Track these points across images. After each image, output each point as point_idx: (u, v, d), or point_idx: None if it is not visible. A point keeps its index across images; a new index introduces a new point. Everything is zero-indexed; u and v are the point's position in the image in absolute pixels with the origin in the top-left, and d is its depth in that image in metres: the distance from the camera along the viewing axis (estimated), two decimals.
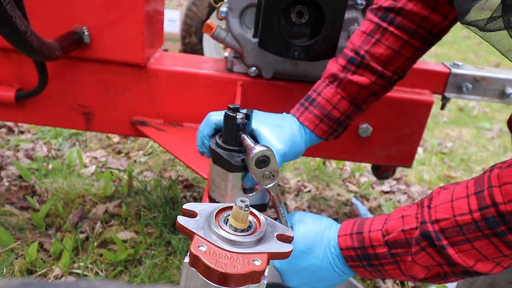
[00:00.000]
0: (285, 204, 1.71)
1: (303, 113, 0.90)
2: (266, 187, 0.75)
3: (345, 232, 0.74)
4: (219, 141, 0.81)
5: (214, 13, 2.77)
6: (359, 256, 0.72)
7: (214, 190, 0.85)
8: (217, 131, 0.84)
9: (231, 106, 0.79)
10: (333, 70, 0.90)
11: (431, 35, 0.87)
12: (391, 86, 0.93)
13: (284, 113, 0.92)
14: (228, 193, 0.82)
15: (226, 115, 0.78)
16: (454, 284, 1.30)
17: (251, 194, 0.83)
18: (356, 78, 0.88)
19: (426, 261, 0.65)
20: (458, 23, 0.87)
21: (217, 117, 0.82)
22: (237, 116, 0.78)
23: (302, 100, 0.93)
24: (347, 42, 0.92)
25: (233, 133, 0.78)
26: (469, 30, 0.61)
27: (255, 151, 0.72)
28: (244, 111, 0.81)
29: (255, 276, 0.53)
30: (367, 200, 1.86)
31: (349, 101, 0.90)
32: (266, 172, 0.73)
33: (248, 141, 0.76)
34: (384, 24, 0.86)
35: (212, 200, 0.86)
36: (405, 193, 1.96)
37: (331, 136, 0.94)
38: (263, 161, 0.72)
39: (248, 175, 0.78)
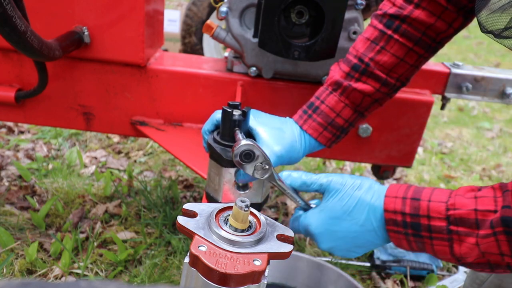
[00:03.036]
0: (285, 204, 1.71)
1: (307, 121, 0.90)
2: (262, 178, 0.75)
3: (396, 194, 0.69)
4: (217, 137, 0.83)
5: (214, 13, 2.77)
6: (407, 223, 0.67)
7: (210, 184, 0.87)
8: (217, 127, 0.86)
9: (231, 103, 0.80)
10: (336, 77, 0.90)
11: (435, 43, 0.87)
12: (394, 93, 0.93)
13: (287, 117, 0.92)
14: (221, 188, 0.83)
15: (223, 111, 0.80)
16: (461, 283, 1.31)
17: (243, 192, 0.84)
18: (359, 86, 0.88)
19: (490, 248, 0.61)
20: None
21: (220, 114, 0.84)
22: (234, 113, 0.79)
23: (304, 107, 0.92)
24: (350, 48, 0.92)
25: (229, 128, 0.80)
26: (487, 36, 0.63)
27: (239, 144, 0.72)
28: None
29: (255, 276, 0.53)
30: None
31: (353, 109, 0.90)
32: (257, 164, 0.73)
33: (239, 136, 0.76)
34: (389, 32, 0.85)
35: (207, 194, 0.88)
36: None
37: (334, 143, 0.94)
38: (248, 154, 0.72)
39: (240, 172, 0.78)
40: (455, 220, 0.63)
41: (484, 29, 0.63)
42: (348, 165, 2.15)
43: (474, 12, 0.83)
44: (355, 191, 0.72)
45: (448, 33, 0.86)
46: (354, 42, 0.92)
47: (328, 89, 0.91)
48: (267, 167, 0.74)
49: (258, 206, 0.87)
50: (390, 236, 0.70)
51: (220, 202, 0.84)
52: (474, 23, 0.88)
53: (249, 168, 0.74)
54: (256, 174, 0.74)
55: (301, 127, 0.90)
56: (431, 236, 0.66)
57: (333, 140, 0.93)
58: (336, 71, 0.91)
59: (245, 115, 0.80)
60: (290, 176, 0.76)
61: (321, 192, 0.75)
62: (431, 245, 0.66)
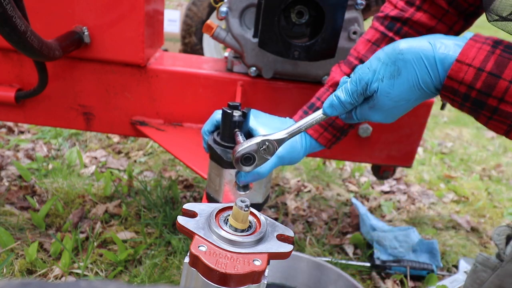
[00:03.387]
0: (285, 204, 1.71)
1: None
2: (275, 152, 0.73)
3: (471, 62, 0.57)
4: (217, 138, 0.83)
5: (214, 13, 2.77)
6: (469, 97, 0.58)
7: (210, 185, 0.87)
8: (218, 128, 0.86)
9: (231, 104, 0.80)
10: (337, 78, 0.90)
11: None
12: None
13: (288, 118, 0.92)
14: (222, 189, 0.83)
15: (223, 112, 0.80)
16: (461, 283, 1.31)
17: (244, 192, 0.84)
18: None
19: None
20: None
21: (220, 115, 0.84)
22: (234, 114, 0.79)
23: (305, 107, 0.93)
24: (351, 49, 0.92)
25: (229, 130, 0.80)
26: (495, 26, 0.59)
27: (238, 149, 0.71)
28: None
29: (255, 276, 0.53)
30: (367, 200, 1.86)
31: None
32: (260, 151, 0.72)
33: (239, 138, 0.76)
34: (390, 34, 0.86)
35: (207, 194, 0.88)
36: (405, 193, 1.96)
37: (334, 144, 0.94)
38: (248, 158, 0.72)
39: (240, 173, 0.78)
40: None
41: (492, 16, 0.58)
42: (348, 165, 2.15)
43: (474, 15, 0.83)
44: (396, 80, 0.63)
45: None
46: (356, 43, 0.93)
47: (329, 90, 0.91)
48: (266, 144, 0.72)
49: (259, 207, 0.87)
50: (441, 96, 0.63)
51: (221, 203, 0.84)
52: (473, 24, 0.88)
53: (260, 159, 0.72)
54: (266, 156, 0.73)
55: None
56: (491, 117, 0.58)
57: (333, 141, 0.93)
58: (337, 72, 0.92)
59: (245, 116, 0.80)
60: (332, 105, 0.69)
61: (367, 96, 0.68)
62: (486, 122, 0.60)
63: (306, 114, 0.91)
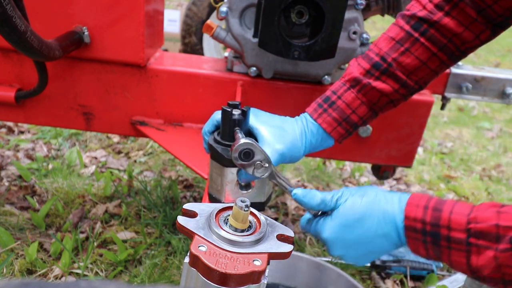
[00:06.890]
0: (285, 204, 1.71)
1: (322, 114, 0.90)
2: (262, 177, 0.75)
3: (418, 203, 0.70)
4: (217, 137, 0.83)
5: (214, 13, 2.77)
6: (426, 231, 0.68)
7: (212, 185, 0.87)
8: (218, 128, 0.86)
9: (231, 103, 0.81)
10: (355, 74, 0.89)
11: (459, 51, 0.87)
12: (410, 96, 0.94)
13: (288, 117, 0.92)
14: (224, 188, 0.83)
15: (223, 110, 0.80)
16: (461, 283, 1.31)
17: (246, 191, 0.84)
18: (379, 84, 0.88)
19: (508, 261, 0.61)
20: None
21: (220, 115, 0.84)
22: (234, 112, 0.79)
23: (320, 100, 0.92)
24: (371, 45, 0.91)
25: (229, 128, 0.80)
26: None
27: (238, 143, 0.72)
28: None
29: (255, 276, 0.53)
30: None
31: (368, 107, 0.91)
32: (257, 163, 0.73)
33: (239, 135, 0.77)
34: (416, 34, 0.85)
35: (209, 195, 0.88)
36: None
37: (344, 139, 0.94)
38: (247, 153, 0.72)
39: (242, 171, 0.79)
40: (475, 234, 0.64)
41: None
42: (348, 165, 2.15)
43: (503, 27, 0.84)
44: (363, 199, 0.73)
45: (474, 44, 0.86)
46: (377, 39, 0.91)
47: (346, 85, 0.91)
48: (267, 165, 0.74)
49: (261, 205, 0.87)
50: (408, 242, 0.71)
51: (223, 203, 0.84)
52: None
53: (249, 168, 0.74)
54: (257, 173, 0.75)
55: (315, 120, 0.90)
56: (449, 246, 0.67)
57: (345, 136, 0.93)
58: (355, 67, 0.91)
59: (244, 114, 0.80)
60: (309, 193, 0.75)
61: (336, 208, 0.76)
62: (448, 255, 0.67)
63: (321, 107, 0.91)
